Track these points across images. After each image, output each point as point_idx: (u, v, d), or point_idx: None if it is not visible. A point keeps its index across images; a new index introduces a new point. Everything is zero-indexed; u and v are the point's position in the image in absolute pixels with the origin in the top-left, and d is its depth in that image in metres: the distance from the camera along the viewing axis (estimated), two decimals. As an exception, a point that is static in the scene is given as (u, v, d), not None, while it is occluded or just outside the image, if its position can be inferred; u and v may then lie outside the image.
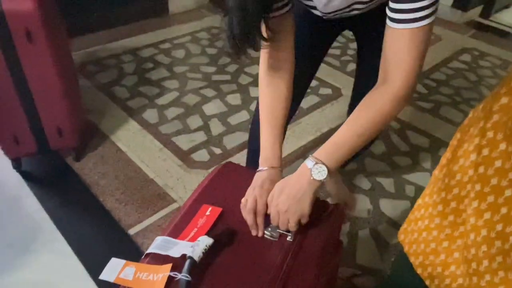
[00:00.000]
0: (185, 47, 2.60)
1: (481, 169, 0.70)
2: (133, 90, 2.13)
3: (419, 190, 1.63)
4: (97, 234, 1.39)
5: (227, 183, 0.93)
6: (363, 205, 1.55)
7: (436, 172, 0.88)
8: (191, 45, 2.63)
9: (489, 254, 0.71)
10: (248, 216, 0.81)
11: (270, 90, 0.92)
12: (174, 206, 1.50)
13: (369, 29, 1.03)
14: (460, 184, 0.77)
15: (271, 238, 0.81)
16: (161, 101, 2.06)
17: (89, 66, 2.30)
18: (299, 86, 1.09)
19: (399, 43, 0.72)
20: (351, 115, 0.81)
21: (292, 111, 1.10)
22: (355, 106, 0.81)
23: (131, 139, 1.79)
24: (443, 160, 0.86)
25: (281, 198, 0.77)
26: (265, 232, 0.81)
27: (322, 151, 0.79)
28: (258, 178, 0.84)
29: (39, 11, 1.26)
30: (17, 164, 1.57)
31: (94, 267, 1.26)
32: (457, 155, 0.79)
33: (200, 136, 1.84)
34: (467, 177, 0.74)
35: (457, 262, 0.79)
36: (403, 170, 1.73)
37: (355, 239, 1.42)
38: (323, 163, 0.77)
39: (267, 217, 0.82)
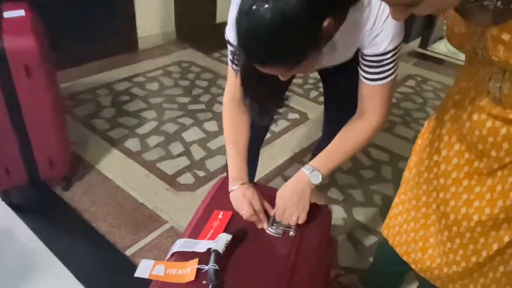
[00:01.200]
0: (158, 80, 2.73)
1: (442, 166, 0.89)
2: (112, 121, 2.22)
3: (385, 197, 1.84)
4: (95, 257, 1.44)
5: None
6: (338, 214, 1.73)
7: (406, 173, 1.07)
8: (164, 78, 2.76)
9: (459, 233, 0.87)
10: (252, 218, 0.95)
11: (232, 115, 1.04)
12: (167, 226, 1.59)
13: (338, 79, 1.13)
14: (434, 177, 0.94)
15: (276, 235, 0.95)
16: (141, 130, 2.16)
17: (66, 100, 2.36)
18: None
19: (373, 93, 0.92)
20: (338, 136, 0.99)
21: (262, 137, 1.29)
22: (330, 126, 1.01)
23: (116, 167, 1.87)
24: (410, 163, 1.05)
25: (287, 196, 0.94)
26: (271, 230, 0.95)
27: (316, 161, 0.97)
28: (236, 194, 0.98)
29: (39, 48, 1.36)
30: (6, 196, 1.59)
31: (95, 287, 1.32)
32: (422, 156, 0.99)
33: (183, 161, 1.95)
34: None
35: (432, 245, 0.94)
36: (369, 181, 1.94)
37: (335, 243, 1.58)
38: (318, 170, 0.95)
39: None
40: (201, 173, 1.88)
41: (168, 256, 0.88)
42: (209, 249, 0.83)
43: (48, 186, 1.72)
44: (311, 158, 1.76)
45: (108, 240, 1.50)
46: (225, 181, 1.09)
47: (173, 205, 1.69)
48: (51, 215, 1.59)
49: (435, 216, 0.94)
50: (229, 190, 1.00)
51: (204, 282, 0.79)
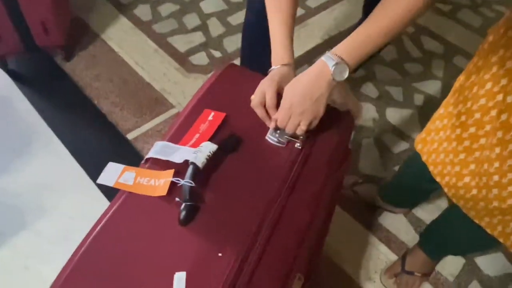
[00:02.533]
0: None
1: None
2: (122, -18, 1.92)
3: (429, 99, 1.57)
4: (95, 138, 1.35)
5: (231, 86, 0.86)
6: (368, 113, 1.50)
7: (461, 78, 0.81)
8: None
9: (500, 170, 0.68)
10: (257, 110, 0.75)
11: None
12: (173, 111, 1.44)
13: None
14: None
15: (278, 144, 0.76)
16: (154, -5, 1.87)
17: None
18: None
19: None
20: (375, 10, 0.70)
21: None
22: (371, 3, 0.71)
23: (123, 39, 1.66)
24: (469, 67, 0.78)
25: (296, 98, 0.70)
26: (271, 137, 0.76)
27: (343, 48, 0.69)
28: (268, 77, 0.77)
29: None
30: (2, 63, 1.46)
31: (93, 170, 1.25)
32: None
33: (198, 37, 1.70)
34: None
35: (472, 173, 0.76)
36: (414, 77, 1.64)
37: (359, 147, 1.40)
38: (345, 62, 0.68)
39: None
40: (217, 53, 1.65)
41: (143, 161, 0.73)
42: (186, 161, 0.67)
43: (49, 55, 1.56)
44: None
45: (110, 121, 1.39)
46: (224, 73, 0.87)
47: (182, 88, 1.51)
48: (50, 88, 1.47)
49: (486, 141, 0.72)
50: (268, 70, 0.78)
51: (176, 199, 0.64)
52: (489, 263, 1.16)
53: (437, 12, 1.97)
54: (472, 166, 0.75)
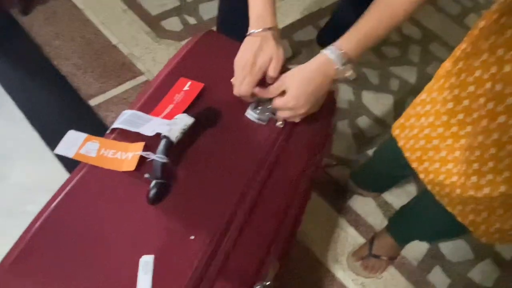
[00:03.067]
0: None
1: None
2: None
3: (404, 84, 1.56)
4: (53, 102, 1.23)
5: (209, 54, 0.79)
6: (345, 95, 1.47)
7: (447, 64, 0.78)
8: None
9: (496, 156, 0.66)
10: (239, 72, 0.67)
11: None
12: (142, 79, 1.34)
13: None
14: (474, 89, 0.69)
15: (259, 121, 0.71)
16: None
17: None
18: None
19: None
20: (375, 1, 0.66)
21: None
22: None
23: (88, -5, 1.51)
24: (456, 52, 0.76)
25: (304, 97, 0.66)
26: (252, 114, 0.71)
27: (348, 42, 0.65)
28: (252, 41, 0.68)
29: None
30: None
31: (51, 137, 1.14)
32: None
33: (172, 0, 1.59)
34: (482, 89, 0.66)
35: (456, 160, 0.75)
36: (391, 61, 1.63)
37: (333, 129, 1.37)
38: (351, 59, 0.65)
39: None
40: (191, 20, 1.54)
41: (108, 131, 0.66)
42: (158, 134, 0.60)
43: (2, 6, 1.40)
44: (328, 24, 1.44)
45: (70, 84, 1.27)
46: (202, 39, 0.80)
47: (152, 54, 1.41)
48: (5, 44, 1.32)
49: (472, 128, 0.71)
50: (247, 34, 0.70)
51: (146, 175, 0.58)
52: (452, 250, 1.19)
53: (417, -3, 1.95)
54: (457, 153, 0.74)
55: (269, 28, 0.68)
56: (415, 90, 1.52)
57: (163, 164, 0.58)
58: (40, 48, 1.33)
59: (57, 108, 1.22)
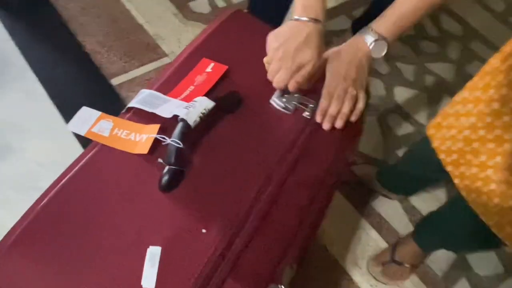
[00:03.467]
0: None
1: None
2: None
3: (440, 82, 1.46)
4: (75, 78, 1.21)
5: (236, 35, 0.73)
6: (375, 90, 1.39)
7: (494, 61, 0.70)
8: None
9: None
10: (276, 61, 0.62)
11: None
12: (166, 60, 1.30)
13: None
14: None
15: (284, 111, 0.65)
16: None
17: None
18: None
19: None
20: None
21: None
22: None
23: (118, -29, 1.48)
24: (505, 49, 0.68)
25: (344, 68, 0.64)
26: (277, 101, 0.65)
27: (383, 24, 0.65)
28: (298, 29, 0.61)
29: None
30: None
31: (70, 114, 1.11)
32: None
33: (202, -18, 1.54)
34: None
35: (497, 166, 0.68)
36: (427, 57, 1.53)
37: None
38: (385, 39, 0.65)
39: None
40: (220, 2, 1.49)
41: (124, 110, 0.62)
42: (175, 117, 0.56)
43: (30, -22, 1.38)
44: (366, 13, 1.36)
45: (93, 61, 1.25)
46: (229, 19, 0.75)
47: (178, 36, 1.36)
48: (31, 16, 1.31)
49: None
50: (287, 19, 0.66)
51: (159, 160, 0.54)
52: (480, 261, 1.11)
53: (461, -9, 1.83)
54: (499, 159, 0.67)
55: (317, 20, 0.62)
56: (452, 89, 1.42)
57: (178, 149, 0.54)
58: (65, 23, 1.31)
59: (78, 86, 1.20)
